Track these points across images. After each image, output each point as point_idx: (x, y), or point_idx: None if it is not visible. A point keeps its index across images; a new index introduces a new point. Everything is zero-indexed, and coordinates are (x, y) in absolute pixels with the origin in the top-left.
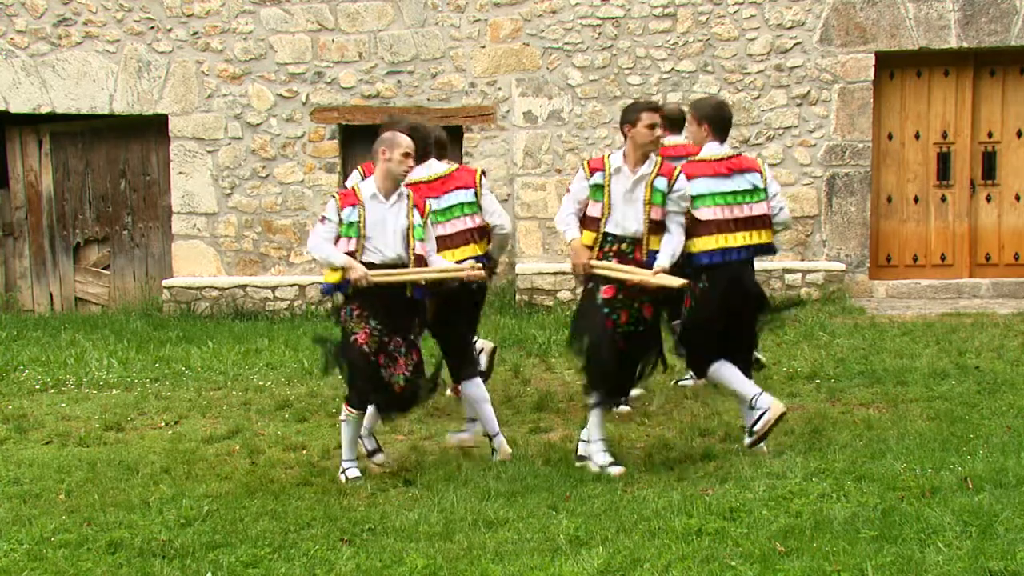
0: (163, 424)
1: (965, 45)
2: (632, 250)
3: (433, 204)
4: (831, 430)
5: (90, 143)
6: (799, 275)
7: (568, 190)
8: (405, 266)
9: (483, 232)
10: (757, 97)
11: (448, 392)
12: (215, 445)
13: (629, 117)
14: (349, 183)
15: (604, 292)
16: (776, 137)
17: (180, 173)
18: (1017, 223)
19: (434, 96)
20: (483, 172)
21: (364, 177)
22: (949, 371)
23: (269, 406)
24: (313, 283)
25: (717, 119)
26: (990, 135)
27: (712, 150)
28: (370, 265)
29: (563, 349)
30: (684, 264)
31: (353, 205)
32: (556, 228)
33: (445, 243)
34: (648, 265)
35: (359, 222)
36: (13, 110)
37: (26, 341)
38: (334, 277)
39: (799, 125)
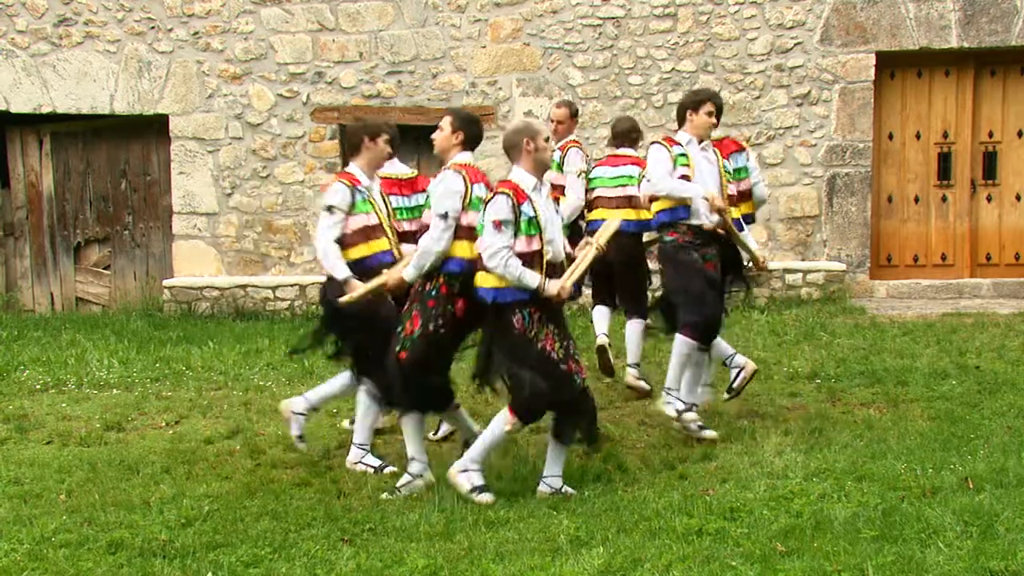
0: (164, 424)
1: (966, 45)
2: None
3: (402, 202)
4: (832, 430)
5: (91, 143)
6: (800, 275)
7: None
8: None
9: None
10: (758, 97)
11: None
12: (216, 445)
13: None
14: None
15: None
16: (777, 137)
17: (181, 173)
18: (1018, 223)
19: (434, 96)
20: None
21: None
22: (950, 371)
23: (269, 406)
24: (314, 283)
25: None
26: (991, 135)
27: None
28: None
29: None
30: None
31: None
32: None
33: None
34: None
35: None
36: (14, 110)
37: (27, 341)
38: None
39: (799, 125)
